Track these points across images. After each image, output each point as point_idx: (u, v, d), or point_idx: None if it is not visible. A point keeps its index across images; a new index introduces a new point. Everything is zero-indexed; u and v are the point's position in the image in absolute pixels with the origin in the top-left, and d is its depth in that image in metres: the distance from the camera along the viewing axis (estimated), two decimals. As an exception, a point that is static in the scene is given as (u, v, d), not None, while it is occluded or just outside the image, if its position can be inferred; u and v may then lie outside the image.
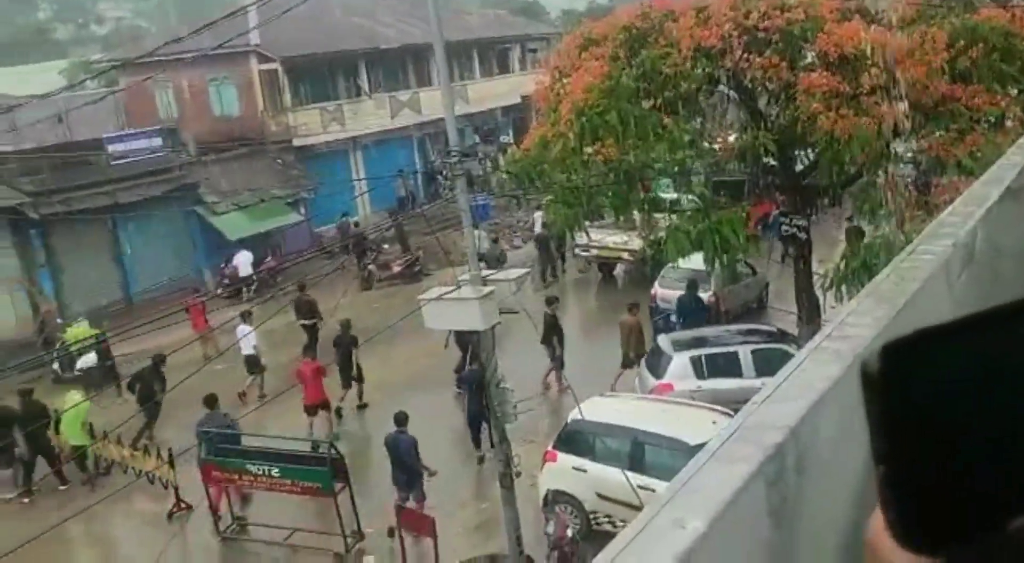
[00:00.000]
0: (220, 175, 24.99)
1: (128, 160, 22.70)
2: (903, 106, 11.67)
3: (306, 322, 18.39)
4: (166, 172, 23.42)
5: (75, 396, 14.68)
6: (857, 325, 2.14)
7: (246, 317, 17.26)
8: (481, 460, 13.95)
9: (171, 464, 12.81)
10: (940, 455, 0.59)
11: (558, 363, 15.65)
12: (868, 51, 11.53)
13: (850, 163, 12.66)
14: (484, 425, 13.48)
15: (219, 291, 23.49)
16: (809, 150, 14.13)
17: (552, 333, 15.74)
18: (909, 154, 14.43)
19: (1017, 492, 0.58)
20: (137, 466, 13.38)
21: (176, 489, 12.95)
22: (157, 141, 23.79)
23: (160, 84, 27.55)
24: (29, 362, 18.85)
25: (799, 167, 14.92)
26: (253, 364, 17.02)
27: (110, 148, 22.72)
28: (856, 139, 11.62)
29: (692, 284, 16.80)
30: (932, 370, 0.59)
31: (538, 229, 22.62)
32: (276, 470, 11.96)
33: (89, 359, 18.34)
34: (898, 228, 12.07)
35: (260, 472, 12.05)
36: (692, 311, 16.68)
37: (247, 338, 16.31)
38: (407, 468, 11.96)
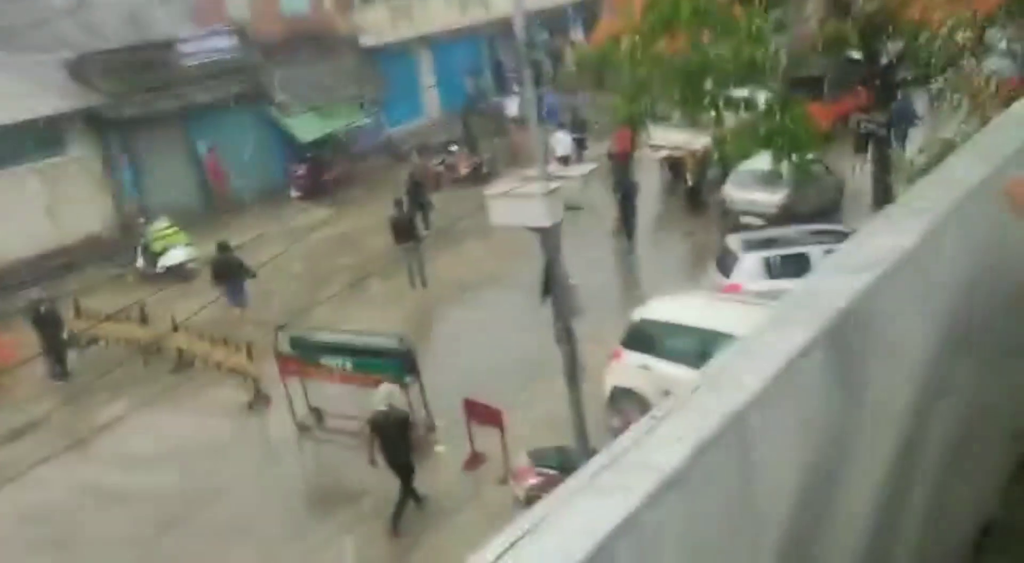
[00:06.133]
0: (290, 75, 24.98)
1: (200, 61, 22.82)
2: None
3: None
4: (237, 72, 23.50)
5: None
6: (925, 199, 2.07)
7: (563, 125, 22.27)
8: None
9: (250, 356, 13.36)
10: None
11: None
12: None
13: (940, 54, 11.96)
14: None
15: (292, 192, 23.90)
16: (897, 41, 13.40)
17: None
18: (1003, 44, 13.57)
19: None
20: (218, 359, 13.99)
21: (256, 381, 13.53)
22: (228, 41, 23.80)
23: (229, -18, 27.35)
24: (115, 260, 19.66)
25: (884, 60, 14.19)
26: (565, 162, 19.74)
27: (182, 48, 22.84)
28: (948, 27, 10.94)
29: (223, 246, 16.55)
30: None
31: None
32: (350, 363, 12.37)
33: (172, 257, 19.01)
34: (981, 123, 11.49)
35: (335, 365, 12.49)
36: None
37: (563, 142, 21.03)
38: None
